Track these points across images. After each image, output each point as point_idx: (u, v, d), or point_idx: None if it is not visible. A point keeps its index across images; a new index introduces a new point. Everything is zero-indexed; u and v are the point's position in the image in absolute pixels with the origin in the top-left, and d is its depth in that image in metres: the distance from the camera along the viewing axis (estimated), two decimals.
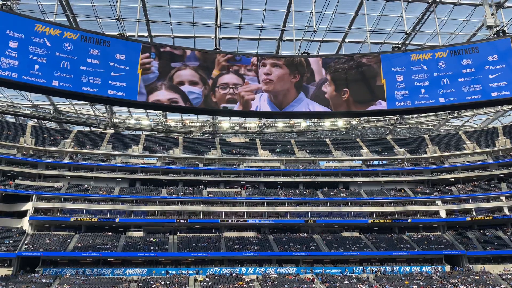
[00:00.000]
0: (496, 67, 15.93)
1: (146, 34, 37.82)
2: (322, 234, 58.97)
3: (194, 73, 16.43)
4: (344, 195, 62.15)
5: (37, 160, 57.00)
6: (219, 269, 50.39)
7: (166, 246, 52.45)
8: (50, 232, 52.76)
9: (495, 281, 48.09)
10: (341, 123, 65.42)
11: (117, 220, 54.04)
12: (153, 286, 43.92)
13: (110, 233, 54.51)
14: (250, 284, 45.80)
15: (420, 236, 58.88)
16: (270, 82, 16.91)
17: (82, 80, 14.83)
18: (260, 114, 20.59)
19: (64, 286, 42.32)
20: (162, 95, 15.87)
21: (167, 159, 63.50)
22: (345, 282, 47.31)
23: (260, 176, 63.52)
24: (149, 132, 68.04)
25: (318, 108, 16.81)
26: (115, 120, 62.45)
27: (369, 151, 68.08)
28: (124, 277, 47.03)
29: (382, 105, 16.67)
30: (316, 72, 17.19)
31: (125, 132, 67.86)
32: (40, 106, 58.52)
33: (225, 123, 65.29)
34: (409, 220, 59.11)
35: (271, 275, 49.00)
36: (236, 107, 16.59)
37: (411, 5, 34.95)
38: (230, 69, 16.82)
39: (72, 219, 52.81)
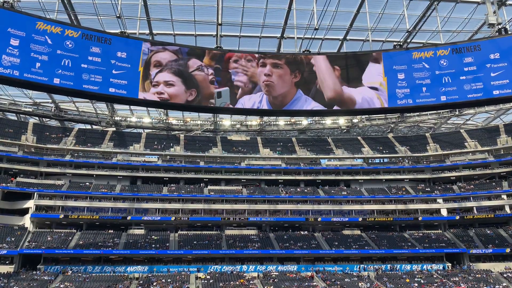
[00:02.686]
0: (498, 65, 15.88)
1: (147, 32, 37.81)
2: (323, 232, 58.98)
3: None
4: (345, 193, 62.11)
5: (38, 158, 57.11)
6: (220, 267, 50.45)
7: (167, 244, 52.54)
8: (52, 230, 52.90)
9: (496, 279, 48.08)
10: (342, 121, 65.37)
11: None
12: (154, 284, 44.01)
13: (112, 231, 54.59)
14: (251, 282, 45.88)
15: (421, 234, 58.86)
16: (270, 84, 16.55)
17: (83, 78, 14.83)
18: (254, 112, 20.38)
19: (66, 283, 42.46)
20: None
21: (168, 157, 63.55)
22: (346, 280, 47.35)
23: (261, 174, 63.51)
24: (150, 130, 68.06)
25: (316, 106, 16.69)
26: (116, 118, 62.54)
27: (370, 149, 68.03)
28: (125, 274, 47.12)
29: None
30: (317, 69, 17.06)
31: (126, 130, 67.94)
32: (42, 104, 58.66)
33: (226, 121, 65.24)
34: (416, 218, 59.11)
35: (272, 273, 49.07)
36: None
37: (413, 3, 34.78)
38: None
39: (74, 216, 52.97)
